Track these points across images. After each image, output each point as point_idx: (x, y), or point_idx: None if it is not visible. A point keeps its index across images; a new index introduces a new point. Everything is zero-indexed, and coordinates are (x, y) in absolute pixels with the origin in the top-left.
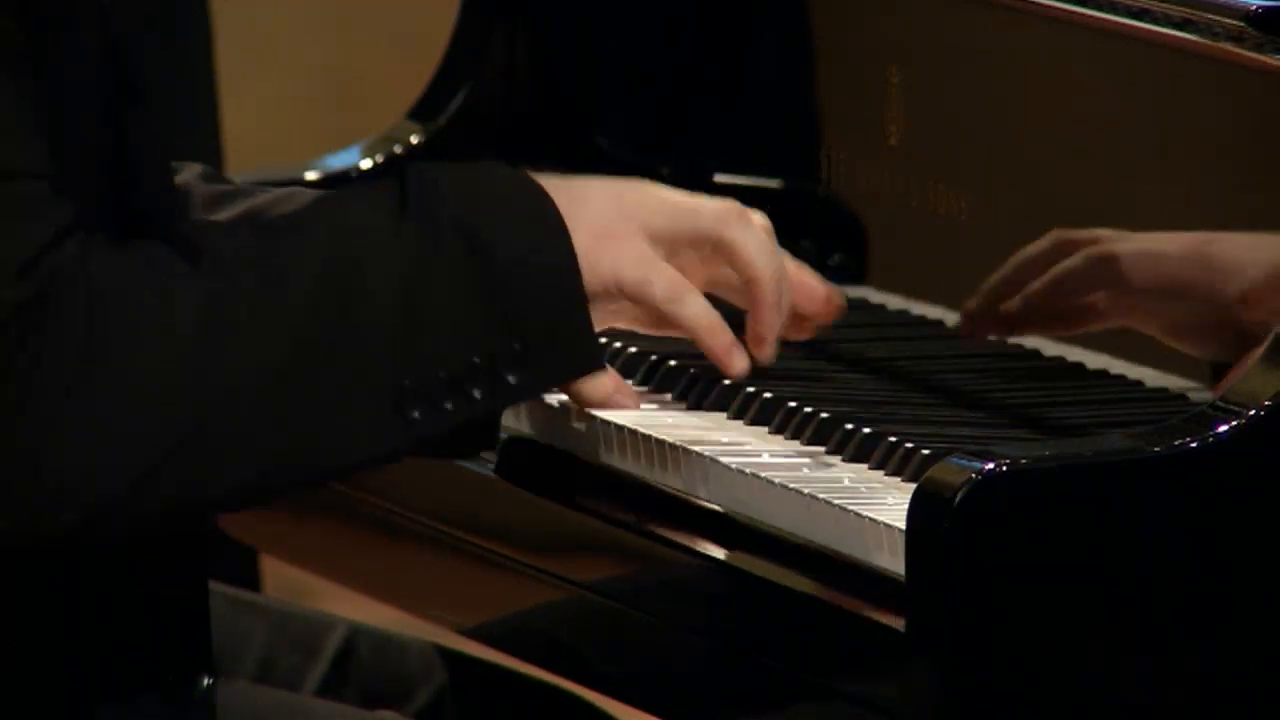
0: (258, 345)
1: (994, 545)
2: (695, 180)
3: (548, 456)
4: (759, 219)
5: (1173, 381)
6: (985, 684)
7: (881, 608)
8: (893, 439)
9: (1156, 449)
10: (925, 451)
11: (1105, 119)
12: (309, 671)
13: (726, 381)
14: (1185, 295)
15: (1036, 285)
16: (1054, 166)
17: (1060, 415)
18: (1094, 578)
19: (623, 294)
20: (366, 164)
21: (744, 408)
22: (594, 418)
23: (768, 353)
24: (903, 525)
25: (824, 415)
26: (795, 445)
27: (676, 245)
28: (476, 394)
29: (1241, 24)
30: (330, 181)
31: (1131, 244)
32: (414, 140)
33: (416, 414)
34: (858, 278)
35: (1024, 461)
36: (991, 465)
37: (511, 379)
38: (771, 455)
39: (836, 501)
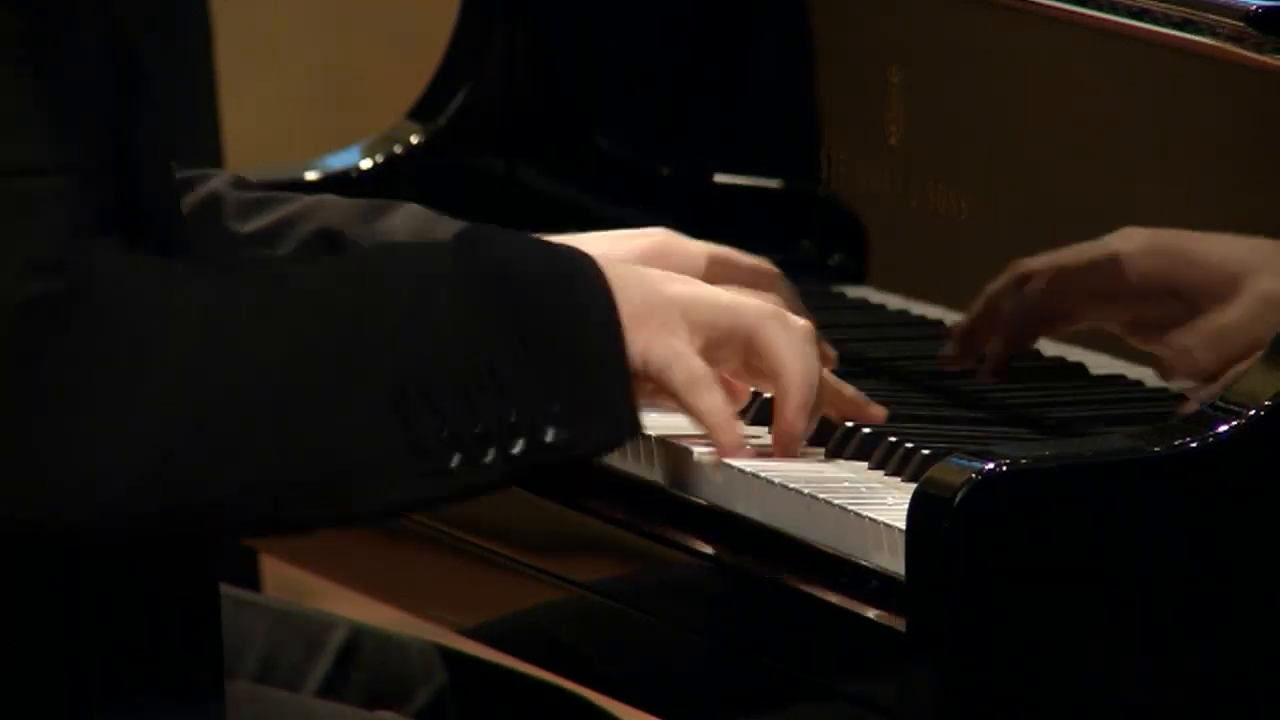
0: (281, 363)
1: (994, 545)
2: (695, 180)
3: None
4: (801, 323)
5: (1173, 381)
6: (985, 684)
7: (881, 608)
8: (893, 439)
9: (1156, 449)
10: (925, 451)
11: (1105, 119)
12: (310, 671)
13: None
14: (1152, 296)
15: (1008, 320)
16: (1054, 166)
17: (1060, 415)
18: (1094, 578)
19: (646, 374)
20: (366, 164)
21: (744, 408)
22: None
23: (786, 450)
24: (903, 525)
25: (824, 415)
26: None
27: (713, 338)
28: (516, 451)
29: (1241, 24)
30: (330, 182)
31: (1090, 254)
32: (414, 140)
33: (454, 463)
34: (858, 278)
35: (1024, 461)
36: (991, 465)
37: (548, 437)
38: (771, 456)
39: (836, 501)
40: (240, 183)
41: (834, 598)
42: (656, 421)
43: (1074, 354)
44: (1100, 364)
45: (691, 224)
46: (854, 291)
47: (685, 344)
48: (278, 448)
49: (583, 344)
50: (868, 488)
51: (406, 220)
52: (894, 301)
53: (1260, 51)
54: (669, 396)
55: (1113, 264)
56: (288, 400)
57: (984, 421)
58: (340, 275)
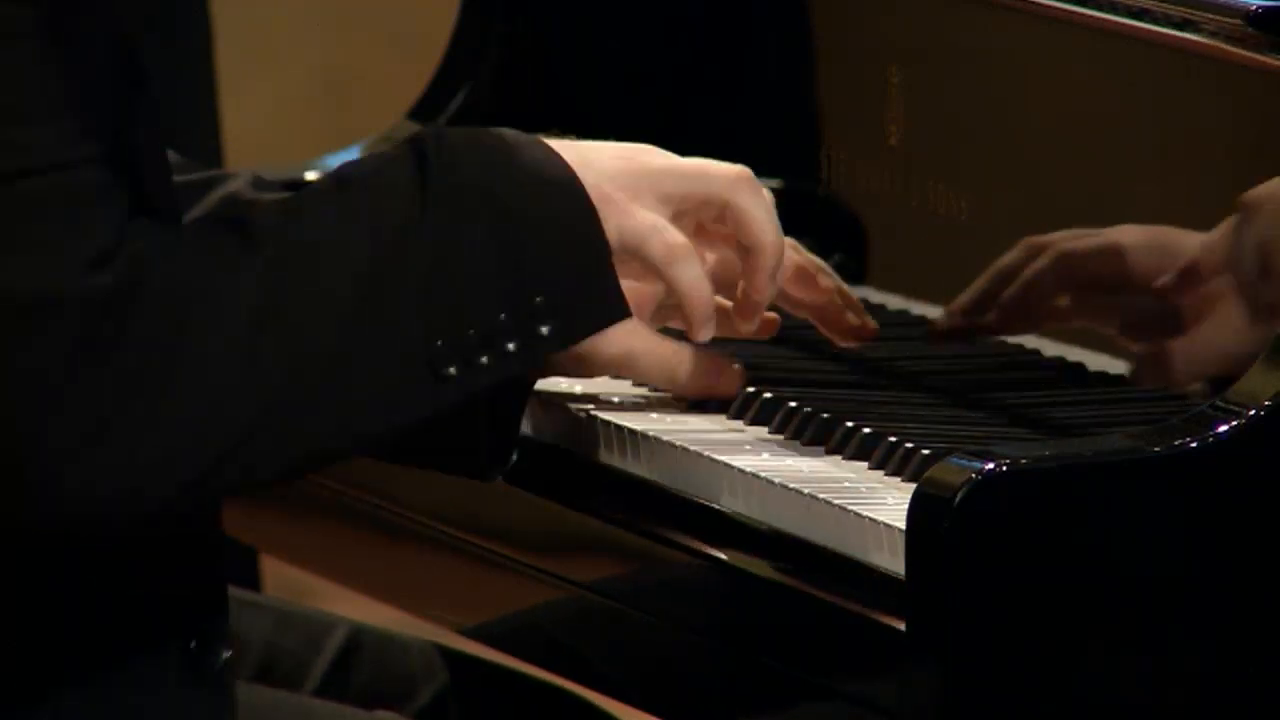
0: (313, 323)
1: (994, 545)
2: None
3: (548, 456)
4: (766, 193)
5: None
6: (985, 684)
7: (881, 608)
8: (893, 439)
9: (1156, 449)
10: (925, 451)
11: (1105, 119)
12: (310, 671)
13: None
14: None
15: (1008, 291)
16: (1054, 166)
17: (1060, 415)
18: (1094, 578)
19: (623, 249)
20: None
21: (744, 408)
22: (595, 417)
23: (753, 325)
24: (903, 525)
25: (824, 415)
26: (795, 445)
27: (684, 206)
28: (510, 347)
29: (1241, 24)
30: None
31: (1095, 241)
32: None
33: (452, 370)
34: (858, 278)
35: (1024, 461)
36: (991, 465)
37: (543, 330)
38: (771, 455)
39: (836, 501)
40: (260, 182)
41: (834, 598)
42: (657, 422)
43: (1074, 354)
44: (1100, 364)
45: None
46: (854, 291)
47: (658, 215)
48: (329, 401)
49: (557, 235)
50: (868, 488)
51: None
52: (894, 301)
53: (1260, 51)
54: (648, 270)
55: (1120, 252)
56: (331, 354)
57: (984, 421)
58: (344, 219)
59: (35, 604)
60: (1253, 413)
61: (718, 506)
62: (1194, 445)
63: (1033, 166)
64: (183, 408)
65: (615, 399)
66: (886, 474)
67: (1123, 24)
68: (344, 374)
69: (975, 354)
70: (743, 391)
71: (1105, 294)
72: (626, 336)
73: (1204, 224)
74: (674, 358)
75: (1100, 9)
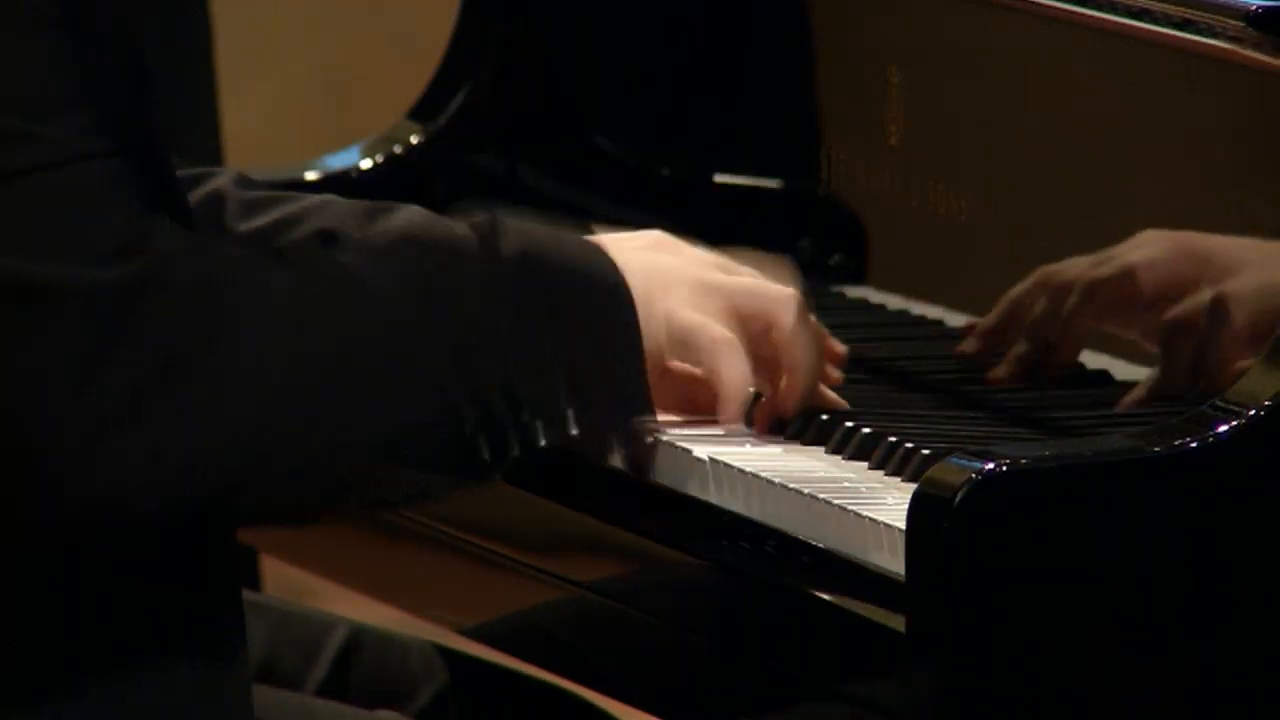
0: (333, 347)
1: (994, 545)
2: (695, 180)
3: (548, 456)
4: (813, 319)
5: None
6: (985, 684)
7: (881, 608)
8: (893, 439)
9: (1156, 449)
10: (925, 451)
11: (1105, 119)
12: (310, 672)
13: None
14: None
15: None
16: (1054, 166)
17: (1060, 415)
18: (1094, 578)
19: (670, 342)
20: (366, 164)
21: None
22: None
23: (768, 425)
24: (903, 525)
25: (824, 415)
26: (796, 445)
27: (738, 317)
28: (537, 426)
29: (1241, 24)
30: (330, 182)
31: (1113, 266)
32: (414, 140)
33: (480, 440)
34: (858, 278)
35: (1024, 461)
36: (991, 465)
37: (570, 418)
38: (771, 455)
39: (836, 501)
40: (244, 181)
41: (834, 598)
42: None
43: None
44: (1100, 364)
45: (691, 224)
46: (854, 291)
47: (709, 314)
48: (352, 411)
49: (595, 335)
50: (868, 488)
51: (408, 221)
52: (894, 301)
53: (1260, 51)
54: (691, 364)
55: (1141, 271)
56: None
57: (984, 421)
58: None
59: (47, 603)
60: (1253, 413)
61: (718, 506)
62: (1194, 445)
63: (1033, 166)
64: (189, 422)
65: None
66: (886, 474)
67: (1123, 24)
68: (346, 393)
69: (975, 354)
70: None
71: (1131, 312)
72: None
73: (1204, 223)
74: None
75: (1100, 9)
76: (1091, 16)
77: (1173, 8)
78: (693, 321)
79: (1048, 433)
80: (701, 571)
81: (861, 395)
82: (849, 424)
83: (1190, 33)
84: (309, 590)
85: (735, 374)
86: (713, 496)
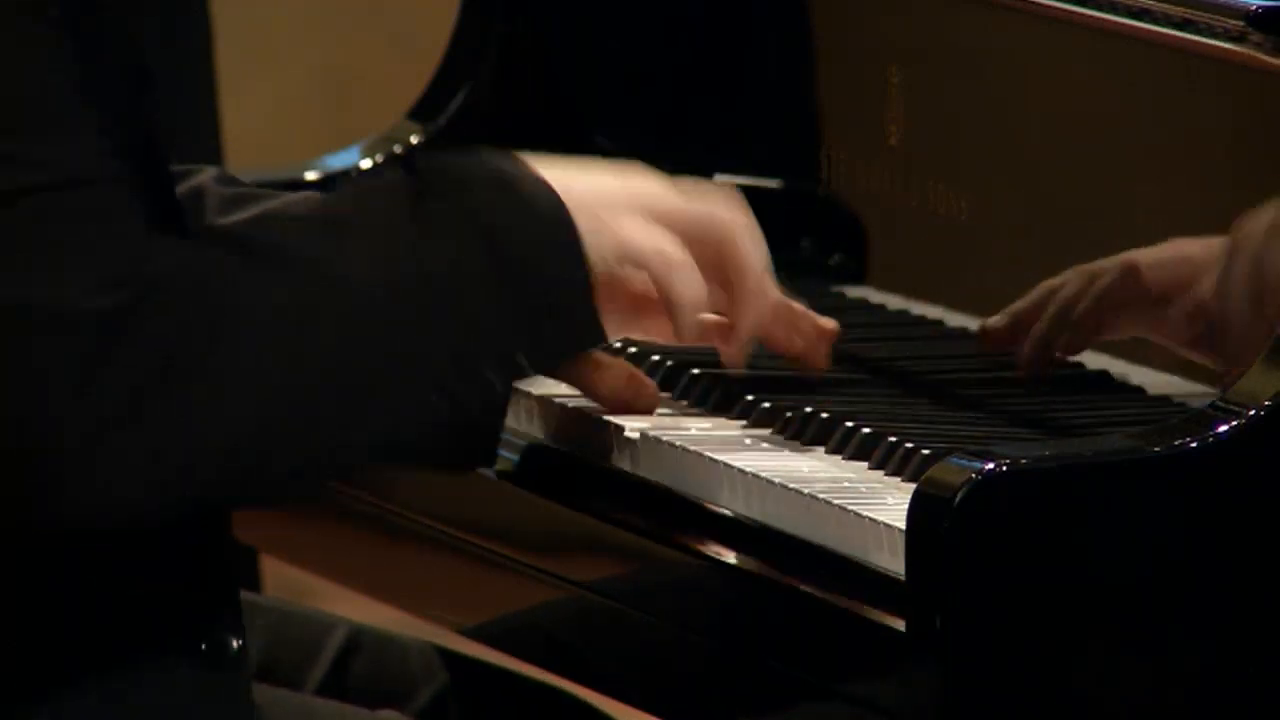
0: (315, 341)
1: (994, 545)
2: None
3: (548, 456)
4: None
5: (1173, 382)
6: (985, 684)
7: (882, 608)
8: (893, 439)
9: (1156, 449)
10: (925, 451)
11: (1105, 119)
12: (309, 672)
13: (718, 379)
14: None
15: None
16: (1054, 166)
17: (1060, 415)
18: (1094, 578)
19: (621, 262)
20: (366, 164)
21: (744, 408)
22: (596, 418)
23: (734, 354)
24: (903, 525)
25: (824, 415)
26: (795, 445)
27: (686, 240)
28: (488, 374)
29: (1241, 24)
30: (330, 182)
31: (1154, 258)
32: (414, 140)
33: (434, 396)
34: (858, 278)
35: (1024, 461)
36: (991, 465)
37: (521, 359)
38: (771, 455)
39: (836, 501)
40: (225, 179)
41: (834, 598)
42: (657, 422)
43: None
44: (1100, 364)
45: None
46: (854, 291)
47: (659, 235)
48: (331, 424)
49: (542, 267)
50: (868, 488)
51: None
52: (894, 301)
53: (1260, 51)
54: (644, 285)
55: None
56: (335, 383)
57: (984, 421)
58: (363, 251)
59: (45, 603)
60: (1253, 413)
61: (718, 506)
62: (1194, 445)
63: (1033, 166)
64: (189, 423)
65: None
66: (886, 474)
67: (1123, 24)
68: (341, 391)
69: (975, 354)
70: (744, 392)
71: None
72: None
73: (1204, 224)
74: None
75: (1100, 9)
76: (1091, 16)
77: (1173, 8)
78: (643, 242)
79: (1048, 433)
80: (701, 571)
81: (861, 395)
82: (849, 424)
83: (1190, 33)
84: (309, 590)
85: (688, 290)
86: (713, 496)
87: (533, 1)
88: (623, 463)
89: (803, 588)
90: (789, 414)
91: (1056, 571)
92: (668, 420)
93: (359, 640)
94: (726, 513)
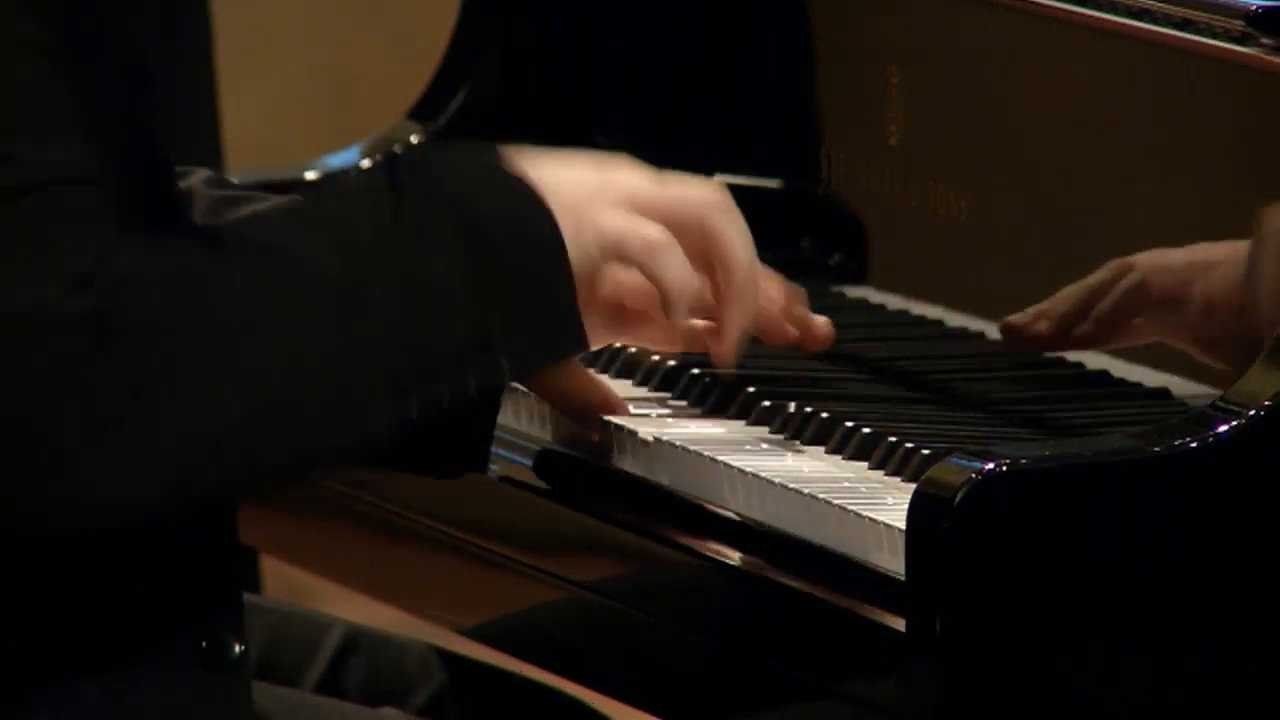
0: (285, 338)
1: (994, 545)
2: None
3: (548, 457)
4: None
5: (1173, 381)
6: (985, 684)
7: (882, 608)
8: (893, 439)
9: (1156, 449)
10: (925, 451)
11: (1105, 119)
12: (307, 672)
13: (717, 379)
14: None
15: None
16: (1054, 166)
17: (1060, 415)
18: (1094, 578)
19: (603, 254)
20: (366, 164)
21: (744, 408)
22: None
23: (726, 349)
24: (903, 525)
25: (824, 415)
26: (795, 445)
27: (659, 219)
28: (469, 374)
29: (1241, 24)
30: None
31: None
32: (414, 140)
33: (413, 390)
34: (858, 278)
35: (1024, 461)
36: (991, 465)
37: (502, 362)
38: (771, 455)
39: (836, 501)
40: (216, 181)
41: (834, 598)
42: (657, 422)
43: (1074, 354)
44: (1100, 364)
45: None
46: (854, 291)
47: (644, 223)
48: (303, 421)
49: (523, 266)
50: (868, 488)
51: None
52: (894, 301)
53: (1260, 51)
54: (630, 269)
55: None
56: (306, 379)
57: (984, 421)
58: (339, 246)
59: (46, 603)
60: (1253, 413)
61: (717, 506)
62: (1194, 445)
63: (1033, 166)
64: (159, 425)
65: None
66: (886, 474)
67: (1123, 24)
68: (313, 388)
69: (975, 354)
70: (744, 393)
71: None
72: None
73: (1204, 224)
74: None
75: (1100, 9)
76: (1091, 16)
77: (1173, 8)
78: (626, 231)
79: (1048, 433)
80: (701, 571)
81: (861, 395)
82: (849, 424)
83: (1190, 33)
84: (309, 590)
85: (675, 272)
86: (713, 496)
87: (533, 1)
88: (623, 463)
89: (803, 588)
90: (789, 414)
91: (1056, 572)
92: (668, 420)
93: (356, 640)
94: (726, 513)
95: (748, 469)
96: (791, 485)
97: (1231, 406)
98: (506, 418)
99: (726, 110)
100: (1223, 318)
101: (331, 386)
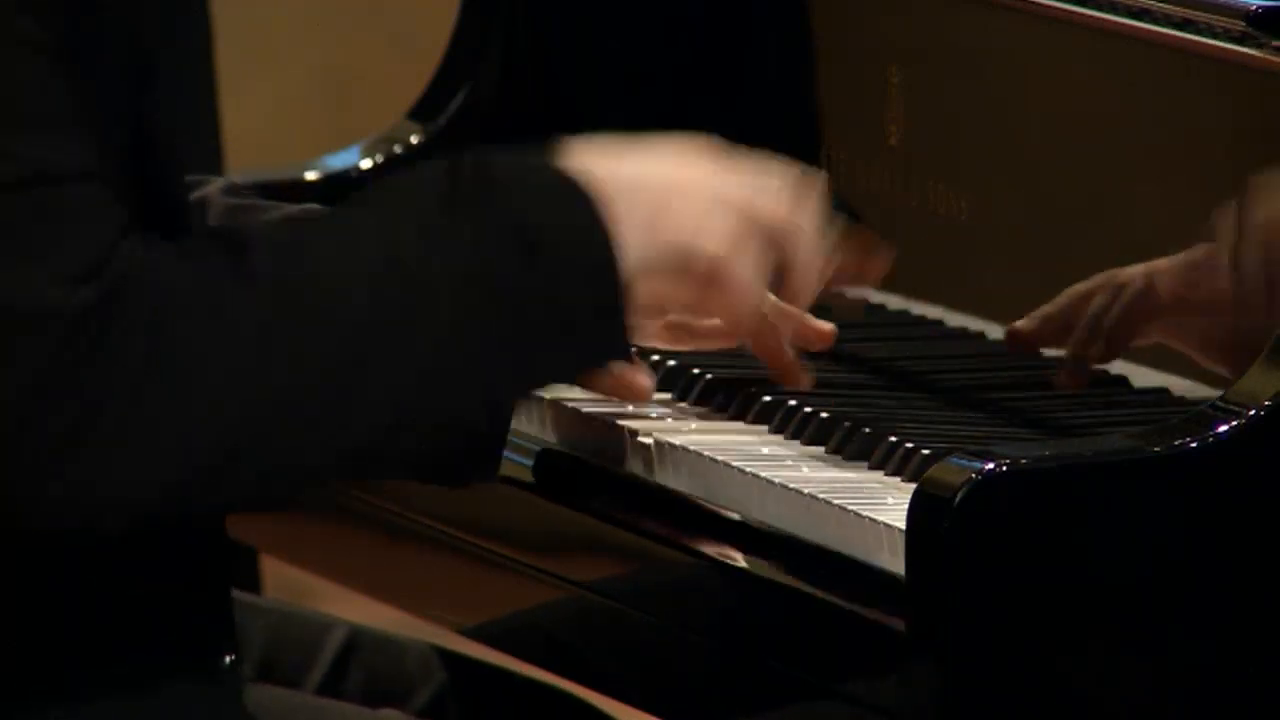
0: (310, 346)
1: (994, 545)
2: None
3: (548, 457)
4: (821, 249)
5: (1173, 381)
6: (985, 684)
7: (882, 608)
8: (893, 439)
9: (1156, 449)
10: (925, 451)
11: (1105, 119)
12: (309, 672)
13: (717, 379)
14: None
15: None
16: (1054, 166)
17: (1060, 415)
18: (1094, 578)
19: (667, 260)
20: (366, 164)
21: (744, 408)
22: (596, 418)
23: (788, 348)
24: (903, 525)
25: (824, 415)
26: (795, 445)
27: (734, 217)
28: (511, 382)
29: (1241, 24)
30: (330, 182)
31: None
32: (414, 140)
33: (451, 401)
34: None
35: (1024, 461)
36: (991, 465)
37: (548, 369)
38: (771, 455)
39: (836, 501)
40: (231, 189)
41: (834, 598)
42: (657, 423)
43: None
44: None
45: None
46: (854, 291)
47: (701, 221)
48: (320, 431)
49: (575, 277)
50: (868, 488)
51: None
52: (894, 301)
53: (1260, 51)
54: (694, 278)
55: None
56: (324, 383)
57: (984, 421)
58: (377, 262)
59: (38, 606)
60: (1253, 413)
61: (717, 507)
62: (1194, 445)
63: (1033, 166)
64: (160, 424)
65: (616, 400)
66: (886, 474)
67: (1123, 24)
68: (336, 401)
69: (975, 354)
70: (744, 392)
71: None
72: None
73: (1204, 224)
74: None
75: (1100, 9)
76: (1091, 16)
77: (1173, 8)
78: (689, 239)
79: (1048, 433)
80: (701, 571)
81: (861, 395)
82: (849, 424)
83: (1190, 33)
84: (309, 590)
85: (743, 277)
86: (713, 496)
87: (533, 1)
88: (623, 463)
89: (803, 588)
90: (789, 414)
91: (1056, 571)
92: (668, 421)
93: (358, 641)
94: (727, 513)
95: (748, 469)
96: (792, 485)
97: (1231, 406)
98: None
99: (726, 110)
100: (1223, 318)
101: (346, 395)
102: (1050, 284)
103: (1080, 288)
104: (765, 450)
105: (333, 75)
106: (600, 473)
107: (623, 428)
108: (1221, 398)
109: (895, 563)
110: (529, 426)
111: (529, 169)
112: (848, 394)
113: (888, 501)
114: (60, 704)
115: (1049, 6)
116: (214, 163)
